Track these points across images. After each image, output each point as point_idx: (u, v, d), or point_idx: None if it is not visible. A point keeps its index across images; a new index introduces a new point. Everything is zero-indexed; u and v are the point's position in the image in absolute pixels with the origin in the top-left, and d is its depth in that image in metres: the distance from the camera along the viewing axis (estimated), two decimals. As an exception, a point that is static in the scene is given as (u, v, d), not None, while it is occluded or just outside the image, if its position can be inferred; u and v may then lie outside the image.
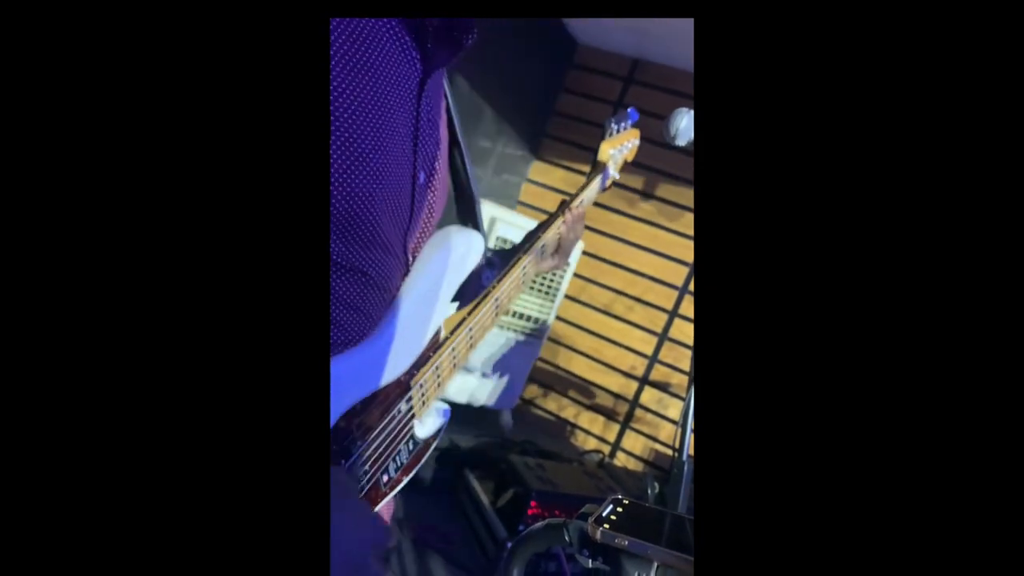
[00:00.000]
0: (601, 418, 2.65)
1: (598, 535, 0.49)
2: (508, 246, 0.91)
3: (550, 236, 0.85)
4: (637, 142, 1.06)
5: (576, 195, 0.93)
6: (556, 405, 2.73)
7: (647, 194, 2.63)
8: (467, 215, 0.77)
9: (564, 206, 0.88)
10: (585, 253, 2.68)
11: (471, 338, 0.74)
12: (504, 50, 2.47)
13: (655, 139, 1.17)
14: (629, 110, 1.01)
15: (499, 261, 0.81)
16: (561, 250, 0.88)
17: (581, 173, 2.79)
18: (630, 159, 1.07)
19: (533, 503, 1.74)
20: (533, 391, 2.77)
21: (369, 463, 0.64)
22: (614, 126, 1.01)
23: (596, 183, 0.98)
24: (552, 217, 0.88)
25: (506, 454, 2.01)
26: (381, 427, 0.64)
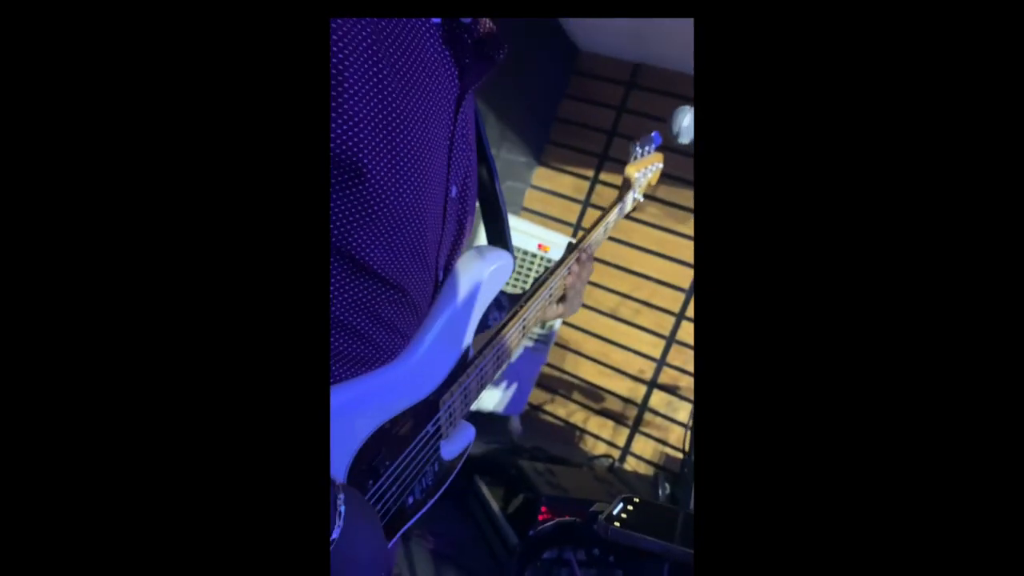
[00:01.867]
0: (610, 423, 2.64)
1: (609, 533, 0.49)
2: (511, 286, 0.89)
3: (557, 284, 0.81)
4: (661, 165, 1.05)
5: (592, 227, 0.90)
6: (564, 410, 2.73)
7: (652, 197, 2.63)
8: (496, 234, 0.77)
9: (573, 248, 0.84)
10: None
11: (498, 359, 0.72)
12: (506, 57, 2.48)
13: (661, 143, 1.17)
14: (653, 134, 1.00)
15: (507, 303, 0.80)
16: (567, 298, 0.84)
17: (584, 178, 2.80)
18: (654, 182, 1.06)
19: (543, 508, 1.74)
20: (541, 397, 2.76)
21: (396, 484, 0.62)
22: (639, 149, 0.99)
23: (616, 209, 0.97)
24: (560, 261, 0.85)
25: (515, 460, 2.00)
26: (409, 448, 0.62)
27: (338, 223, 0.51)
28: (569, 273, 0.83)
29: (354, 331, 0.56)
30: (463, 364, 0.68)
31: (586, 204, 2.80)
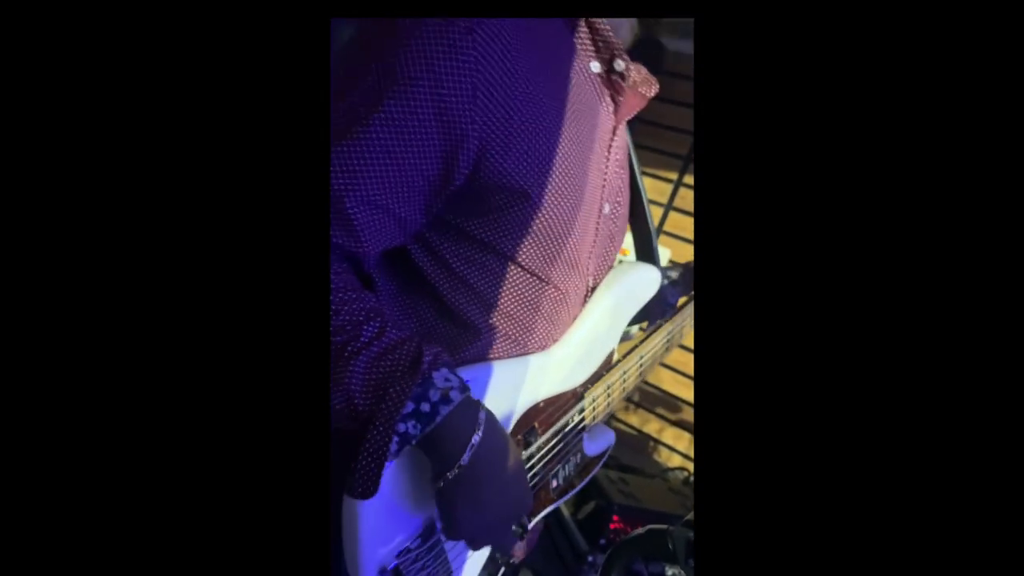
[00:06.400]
0: (687, 435, 2.55)
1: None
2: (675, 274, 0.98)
3: None
4: None
5: None
6: (639, 419, 2.66)
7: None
8: (644, 251, 0.88)
9: None
10: (672, 263, 2.60)
11: (641, 365, 0.82)
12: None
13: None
14: None
15: (683, 281, 0.90)
16: None
17: (667, 181, 2.72)
18: None
19: (615, 517, 1.69)
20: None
21: (542, 461, 0.70)
22: None
23: None
24: None
25: (587, 465, 1.97)
26: (556, 429, 0.72)
27: (505, 235, 0.61)
28: None
29: (515, 319, 0.66)
30: (607, 364, 0.77)
31: (668, 207, 2.73)
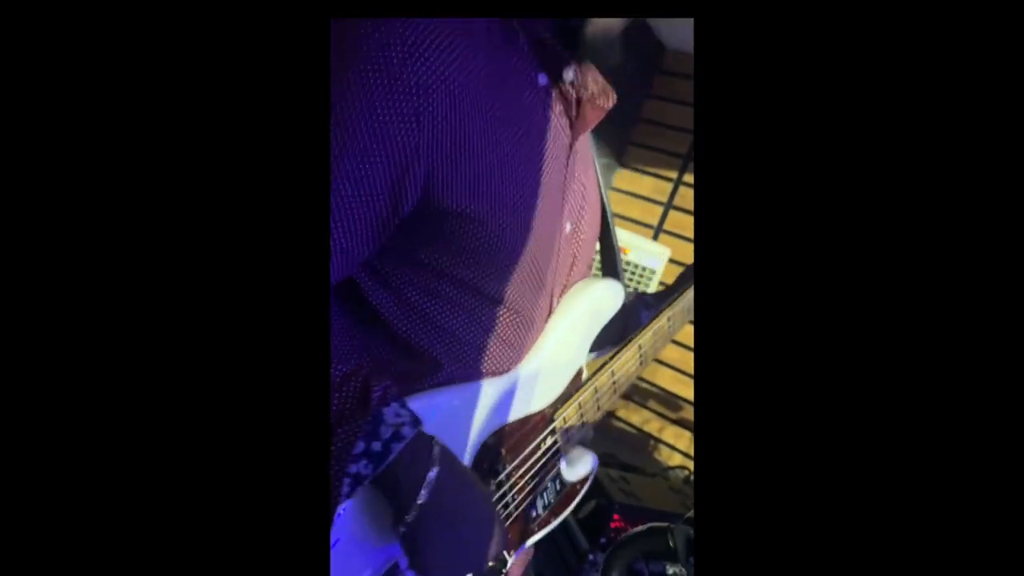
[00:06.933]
0: (687, 433, 2.55)
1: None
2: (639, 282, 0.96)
3: (678, 313, 0.89)
4: None
5: None
6: (639, 418, 2.66)
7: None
8: (608, 266, 0.86)
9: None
10: (672, 261, 2.61)
11: (614, 382, 0.80)
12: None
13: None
14: None
15: (655, 302, 0.88)
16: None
17: (667, 180, 2.72)
18: None
19: (616, 516, 1.69)
20: (614, 402, 2.71)
21: (515, 490, 0.68)
22: None
23: None
24: (682, 288, 0.90)
25: (588, 464, 1.97)
26: (526, 455, 0.69)
27: (460, 261, 0.59)
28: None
29: (475, 346, 0.64)
30: (576, 383, 0.75)
31: (668, 206, 2.73)
